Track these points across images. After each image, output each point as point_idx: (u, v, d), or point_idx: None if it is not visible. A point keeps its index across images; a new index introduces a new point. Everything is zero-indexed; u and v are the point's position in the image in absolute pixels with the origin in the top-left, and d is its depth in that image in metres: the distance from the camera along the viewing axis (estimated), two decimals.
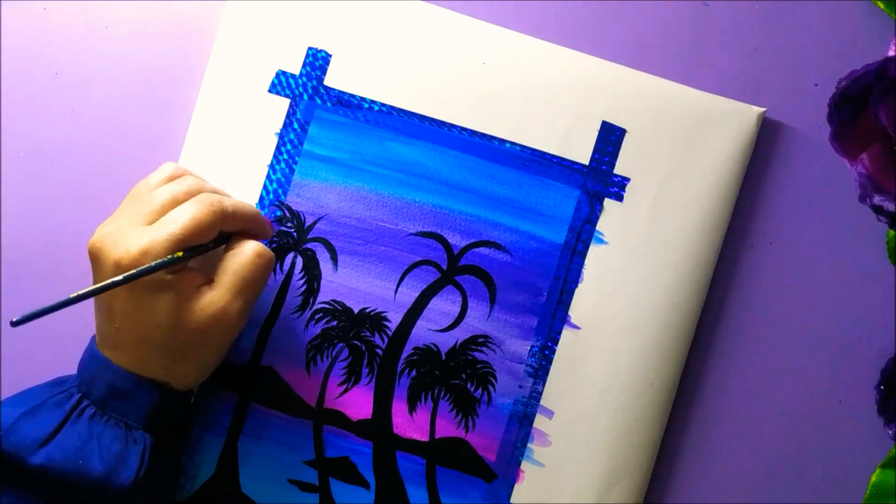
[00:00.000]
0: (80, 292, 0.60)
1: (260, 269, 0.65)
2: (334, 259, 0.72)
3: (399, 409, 0.72)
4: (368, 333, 0.72)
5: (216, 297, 0.63)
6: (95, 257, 0.63)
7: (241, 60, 0.72)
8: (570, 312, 0.71)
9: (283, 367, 0.71)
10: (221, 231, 0.65)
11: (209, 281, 0.64)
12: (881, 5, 0.71)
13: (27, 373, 0.73)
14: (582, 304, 0.71)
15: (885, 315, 0.72)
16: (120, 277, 0.60)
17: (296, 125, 0.72)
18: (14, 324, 0.59)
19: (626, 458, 0.71)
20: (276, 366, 0.71)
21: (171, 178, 0.66)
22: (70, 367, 0.72)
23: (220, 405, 0.72)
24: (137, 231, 0.62)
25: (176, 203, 0.64)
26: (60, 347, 0.73)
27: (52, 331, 0.73)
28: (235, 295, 0.64)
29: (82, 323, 0.73)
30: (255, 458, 0.71)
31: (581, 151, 0.71)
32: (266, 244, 0.71)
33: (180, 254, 0.62)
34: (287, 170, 0.72)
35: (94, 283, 0.63)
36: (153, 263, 0.61)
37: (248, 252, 0.64)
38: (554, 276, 0.71)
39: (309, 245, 0.72)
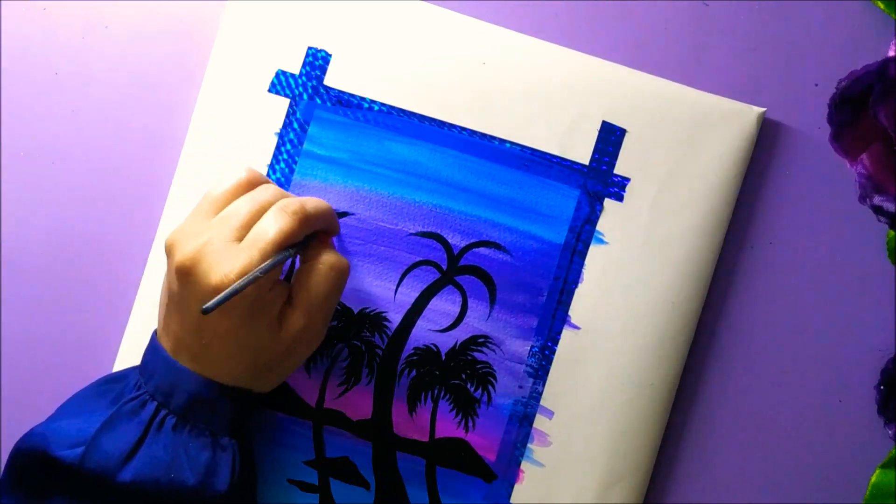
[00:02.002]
0: (252, 276, 0.60)
1: (336, 283, 0.65)
2: None
3: (399, 409, 0.72)
4: (368, 333, 0.72)
5: (298, 317, 0.63)
6: (188, 276, 0.61)
7: (240, 60, 0.72)
8: (570, 312, 0.71)
9: None
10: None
11: (289, 296, 0.64)
12: (881, 5, 0.71)
13: (27, 374, 0.73)
14: (582, 305, 0.71)
15: (885, 315, 0.72)
16: (251, 277, 0.60)
17: (295, 125, 0.72)
18: (205, 311, 0.59)
19: (626, 458, 0.71)
20: None
21: (249, 185, 0.66)
22: (69, 367, 0.72)
23: None
24: (229, 250, 0.61)
25: (261, 212, 0.63)
26: (60, 347, 0.73)
27: (51, 330, 0.73)
28: (315, 312, 0.64)
29: (83, 322, 0.73)
30: (255, 458, 0.71)
31: (581, 151, 0.71)
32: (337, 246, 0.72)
33: (284, 253, 0.62)
34: (287, 170, 0.72)
35: (182, 299, 0.62)
36: (263, 267, 0.61)
37: (323, 268, 0.64)
38: (554, 276, 0.71)
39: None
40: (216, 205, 0.65)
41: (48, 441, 0.61)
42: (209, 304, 0.59)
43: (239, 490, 0.63)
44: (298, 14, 0.72)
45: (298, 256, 0.66)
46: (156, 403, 0.63)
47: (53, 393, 0.73)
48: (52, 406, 0.71)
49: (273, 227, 0.62)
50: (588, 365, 0.71)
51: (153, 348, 0.65)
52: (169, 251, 0.63)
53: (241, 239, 0.62)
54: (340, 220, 0.71)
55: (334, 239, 0.71)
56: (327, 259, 0.64)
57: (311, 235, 0.66)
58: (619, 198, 0.71)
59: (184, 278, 0.62)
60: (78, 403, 0.65)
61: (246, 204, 0.63)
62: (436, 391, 0.72)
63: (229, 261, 0.61)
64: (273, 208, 0.63)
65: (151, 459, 0.61)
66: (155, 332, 0.66)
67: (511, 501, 0.71)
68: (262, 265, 0.60)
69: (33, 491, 0.61)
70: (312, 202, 0.65)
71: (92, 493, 0.61)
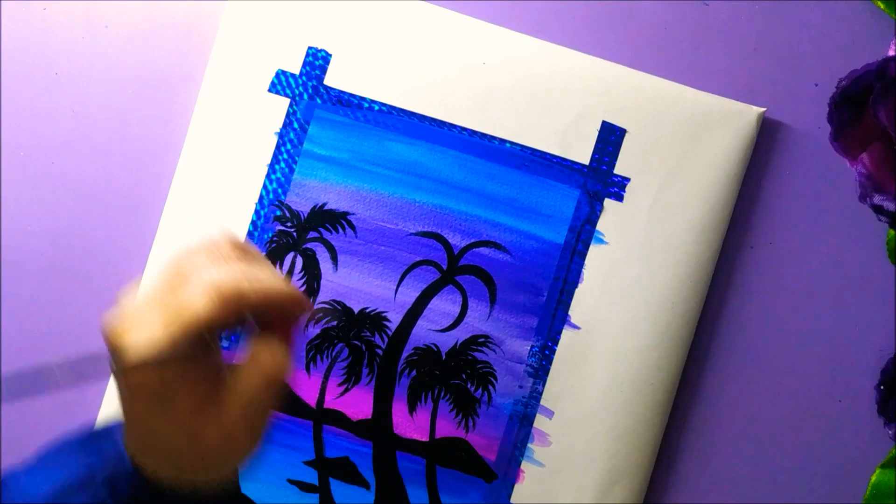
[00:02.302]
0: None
1: (267, 393, 0.54)
2: (334, 259, 0.72)
3: (399, 409, 0.72)
4: (368, 333, 0.72)
5: (223, 423, 0.53)
6: (106, 340, 0.53)
7: (241, 60, 0.72)
8: (570, 312, 0.71)
9: None
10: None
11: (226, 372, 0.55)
12: (881, 5, 0.71)
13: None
14: (582, 305, 0.71)
15: (885, 315, 0.72)
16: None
17: (296, 125, 0.72)
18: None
19: (626, 458, 0.71)
20: None
21: (210, 250, 0.55)
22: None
23: None
24: (146, 319, 0.52)
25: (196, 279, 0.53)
26: (60, 347, 0.73)
27: (51, 330, 0.73)
28: (241, 420, 0.54)
29: (83, 322, 0.73)
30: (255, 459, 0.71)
31: (581, 151, 0.71)
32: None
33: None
34: (287, 169, 0.72)
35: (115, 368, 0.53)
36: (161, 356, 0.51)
37: (256, 373, 0.54)
38: (554, 276, 0.71)
39: (309, 245, 0.72)
40: (177, 276, 0.55)
41: (3, 487, 0.56)
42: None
43: None
44: (298, 14, 0.72)
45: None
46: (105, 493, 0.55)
47: (53, 393, 0.73)
48: (51, 405, 0.71)
49: (193, 310, 0.52)
50: (588, 365, 0.71)
51: (114, 447, 0.56)
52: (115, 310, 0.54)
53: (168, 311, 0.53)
54: (341, 221, 0.71)
55: (336, 239, 0.71)
56: (263, 361, 0.54)
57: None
58: (619, 198, 0.71)
59: (111, 354, 0.53)
60: (55, 452, 0.57)
61: (186, 264, 0.54)
62: (436, 391, 0.72)
63: (137, 329, 0.52)
64: (203, 284, 0.52)
65: None
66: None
67: (511, 501, 0.71)
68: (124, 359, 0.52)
69: None
70: (262, 285, 0.53)
71: None
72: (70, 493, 0.55)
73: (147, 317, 0.53)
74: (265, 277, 0.54)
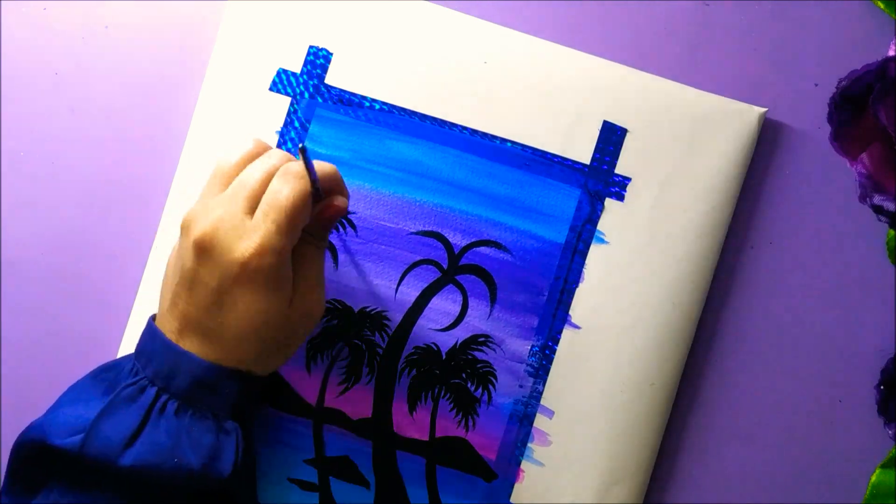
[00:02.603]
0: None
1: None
2: (335, 258, 0.72)
3: (399, 408, 0.72)
4: (369, 333, 0.72)
5: (306, 293, 0.63)
6: (207, 251, 0.61)
7: (242, 59, 0.72)
8: (570, 312, 0.71)
9: (283, 366, 0.71)
10: None
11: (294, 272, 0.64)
12: (881, 5, 0.71)
13: (27, 373, 0.73)
14: (582, 304, 0.71)
15: (885, 315, 0.72)
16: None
17: (297, 123, 0.72)
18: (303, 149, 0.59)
19: (626, 458, 0.71)
20: None
21: (256, 154, 0.65)
22: (69, 367, 0.72)
23: None
24: (244, 224, 0.61)
25: (270, 179, 0.63)
26: (60, 347, 0.73)
27: (51, 330, 0.73)
28: (319, 290, 0.64)
29: (83, 322, 0.73)
30: (256, 457, 0.71)
31: (582, 151, 0.71)
32: None
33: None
34: None
35: (198, 273, 0.62)
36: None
37: (322, 246, 0.65)
38: (555, 275, 0.71)
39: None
40: (226, 178, 0.64)
41: (46, 432, 0.60)
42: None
43: (241, 473, 0.62)
44: (299, 13, 0.72)
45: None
46: (156, 388, 0.62)
47: (53, 393, 0.72)
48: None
49: (282, 193, 0.61)
50: (588, 365, 0.71)
51: (151, 333, 0.64)
52: (185, 229, 0.62)
53: (253, 210, 0.62)
54: (342, 220, 0.71)
55: (337, 238, 0.71)
56: (323, 238, 0.65)
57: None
58: (620, 197, 0.71)
59: (201, 255, 0.61)
60: (74, 393, 0.64)
61: (253, 173, 0.63)
62: (436, 390, 0.72)
63: (246, 235, 0.60)
64: (279, 173, 0.62)
65: (154, 444, 0.60)
66: (152, 318, 0.65)
67: (511, 501, 0.71)
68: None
69: (35, 482, 0.61)
70: (317, 164, 0.64)
71: (94, 480, 0.60)
72: (120, 403, 0.62)
73: (240, 215, 0.61)
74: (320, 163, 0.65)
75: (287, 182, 0.61)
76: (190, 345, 0.62)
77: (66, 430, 0.60)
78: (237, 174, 0.64)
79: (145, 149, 0.73)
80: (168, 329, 0.63)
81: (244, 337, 0.62)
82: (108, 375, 0.64)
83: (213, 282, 0.61)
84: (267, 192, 0.62)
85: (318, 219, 0.65)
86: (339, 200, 0.65)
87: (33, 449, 0.61)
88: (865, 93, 0.68)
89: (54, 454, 0.60)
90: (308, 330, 0.64)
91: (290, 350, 0.65)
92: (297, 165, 0.62)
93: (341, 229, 0.72)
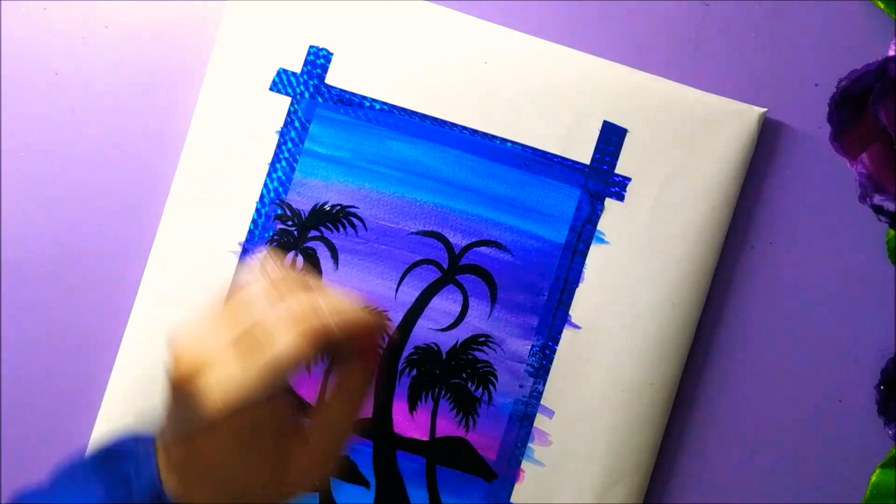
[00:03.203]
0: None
1: (353, 421, 0.55)
2: (335, 258, 0.72)
3: (399, 408, 0.72)
4: None
5: (308, 460, 0.54)
6: (179, 392, 0.52)
7: (242, 59, 0.72)
8: (570, 312, 0.71)
9: None
10: None
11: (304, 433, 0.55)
12: (881, 5, 0.71)
13: (27, 373, 0.73)
14: (583, 304, 0.71)
15: (885, 315, 0.72)
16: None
17: (297, 123, 0.72)
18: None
19: (626, 458, 0.71)
20: None
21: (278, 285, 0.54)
22: (70, 366, 0.72)
23: None
24: (229, 368, 0.51)
25: (276, 319, 0.52)
26: (60, 347, 0.73)
27: (51, 330, 0.73)
28: (328, 453, 0.55)
29: (83, 322, 0.73)
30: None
31: (582, 151, 0.71)
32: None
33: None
34: (288, 168, 0.72)
35: (174, 416, 0.53)
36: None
37: (344, 405, 0.55)
38: (555, 275, 0.71)
39: (309, 244, 0.72)
40: (238, 315, 0.53)
41: None
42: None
43: None
44: (300, 13, 0.72)
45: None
46: None
47: (54, 393, 0.73)
48: (52, 406, 0.71)
49: (283, 351, 0.51)
50: (588, 364, 0.71)
51: (147, 455, 0.55)
52: (169, 351, 0.53)
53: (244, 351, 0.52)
54: (342, 220, 0.71)
55: (337, 238, 0.71)
56: (350, 390, 0.55)
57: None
58: (620, 197, 0.71)
59: (176, 393, 0.53)
60: (71, 478, 0.56)
61: (253, 299, 0.53)
62: (436, 390, 0.72)
63: (226, 382, 0.51)
64: (285, 321, 0.51)
65: None
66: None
67: (511, 501, 0.71)
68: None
69: None
70: (342, 317, 0.52)
71: None
72: None
73: (223, 359, 0.51)
74: (342, 306, 0.52)
75: (293, 336, 0.51)
76: (172, 485, 0.54)
77: None
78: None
79: (145, 149, 0.73)
80: (160, 457, 0.55)
81: (212, 496, 0.54)
82: (114, 466, 0.56)
83: (183, 428, 0.53)
84: (266, 340, 0.51)
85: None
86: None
87: None
88: (865, 93, 0.68)
89: None
90: (305, 493, 0.56)
91: (296, 498, 0.55)
92: (317, 321, 0.51)
93: (342, 229, 0.72)
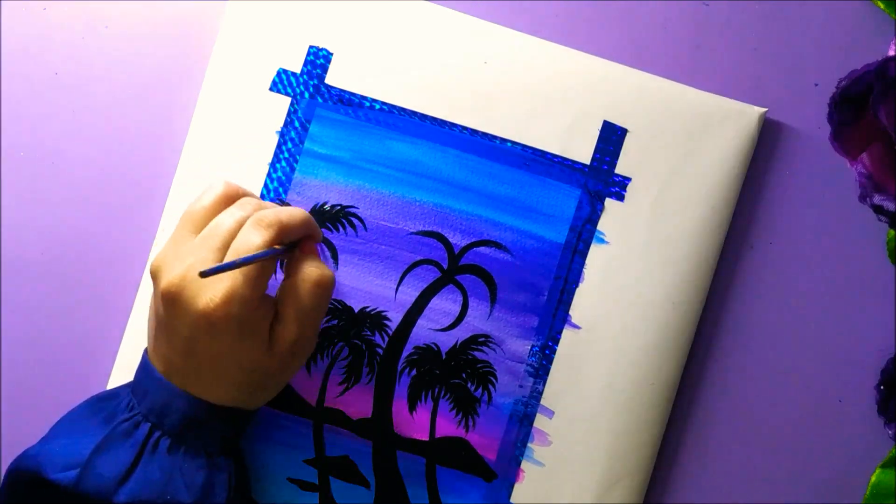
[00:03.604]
0: (248, 258, 0.61)
1: (321, 297, 0.64)
2: (335, 258, 0.72)
3: (399, 408, 0.72)
4: (369, 332, 0.72)
5: (287, 332, 0.63)
6: (174, 302, 0.61)
7: (242, 59, 0.72)
8: (570, 312, 0.71)
9: None
10: None
11: (276, 312, 0.64)
12: (881, 5, 0.71)
13: (27, 373, 0.73)
14: (583, 304, 0.71)
15: (885, 315, 0.72)
16: (241, 260, 0.60)
17: (297, 123, 0.72)
18: (203, 274, 0.58)
19: (626, 458, 0.71)
20: None
21: (227, 199, 0.66)
22: (70, 366, 0.72)
23: None
24: None
25: (239, 228, 0.63)
26: (60, 347, 0.73)
27: (51, 330, 0.73)
28: (303, 327, 0.63)
29: (82, 322, 0.73)
30: (255, 457, 0.71)
31: (582, 151, 0.71)
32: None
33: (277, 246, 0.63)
34: (288, 168, 0.72)
35: (169, 325, 0.63)
36: (251, 256, 0.61)
37: (307, 284, 0.64)
38: (555, 275, 0.71)
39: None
40: (197, 223, 0.65)
41: (41, 464, 0.61)
42: (207, 269, 0.59)
43: None
44: (300, 13, 0.72)
45: (282, 269, 0.66)
46: (149, 425, 0.63)
47: (53, 393, 0.73)
48: (51, 406, 0.71)
49: (251, 242, 0.62)
50: (588, 365, 0.71)
51: (144, 367, 0.65)
52: (154, 276, 0.63)
53: (222, 259, 0.62)
54: (342, 219, 0.71)
55: (337, 238, 0.71)
56: (311, 274, 0.64)
57: (294, 243, 0.66)
58: (620, 197, 0.71)
59: (170, 305, 0.62)
60: (69, 423, 0.64)
61: (225, 221, 0.63)
62: (436, 390, 0.72)
63: (212, 285, 0.61)
64: (248, 223, 0.63)
65: (147, 481, 0.61)
66: (146, 351, 0.66)
67: (511, 501, 0.71)
68: (258, 252, 0.61)
69: None
70: (288, 212, 0.65)
71: None
72: (115, 438, 0.62)
73: (208, 263, 0.61)
74: (286, 208, 0.66)
75: (257, 231, 0.62)
76: (180, 383, 0.63)
77: (62, 464, 0.61)
78: (208, 219, 0.65)
79: (145, 149, 0.73)
80: (157, 367, 0.64)
81: (223, 380, 0.63)
82: (106, 405, 0.65)
83: (185, 331, 0.61)
84: (236, 240, 0.62)
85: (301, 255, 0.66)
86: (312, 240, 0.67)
87: (28, 479, 0.61)
88: (865, 93, 0.68)
89: (49, 487, 0.60)
90: (298, 365, 0.66)
91: (279, 385, 0.66)
92: (272, 214, 0.63)
93: (342, 229, 0.72)
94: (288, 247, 0.65)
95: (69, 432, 0.63)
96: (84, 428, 0.63)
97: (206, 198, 0.65)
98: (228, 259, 0.61)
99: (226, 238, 0.63)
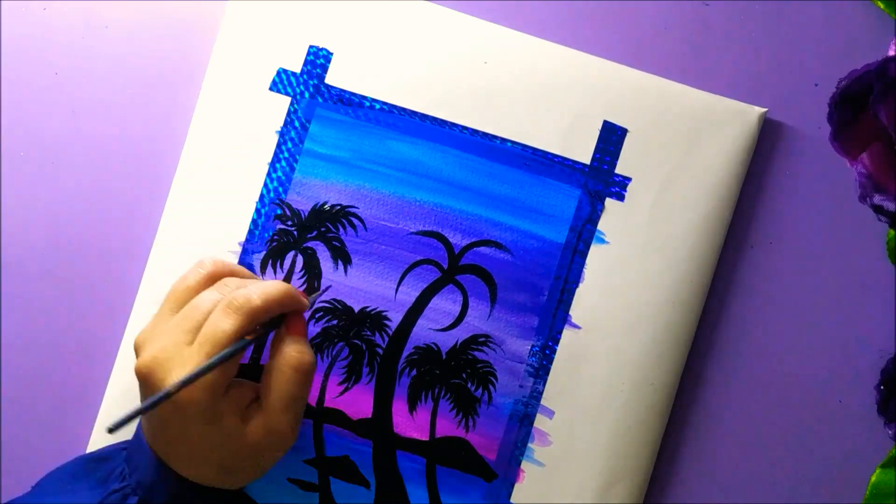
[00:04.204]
0: (167, 391, 0.59)
1: (301, 384, 0.63)
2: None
3: (399, 408, 0.72)
4: (369, 332, 0.72)
5: (265, 419, 0.62)
6: (145, 382, 0.61)
7: (242, 58, 0.72)
8: (570, 312, 0.71)
9: None
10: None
11: (257, 396, 0.64)
12: (881, 5, 0.71)
13: (27, 373, 0.73)
14: (583, 304, 0.71)
15: (885, 315, 0.72)
16: (197, 372, 0.60)
17: (297, 123, 0.72)
18: (111, 430, 0.57)
19: (626, 458, 0.71)
20: None
21: (210, 278, 0.65)
22: (69, 367, 0.72)
23: None
24: (181, 355, 0.61)
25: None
26: (60, 348, 0.73)
27: (51, 330, 0.73)
28: (281, 414, 0.63)
29: (83, 322, 0.73)
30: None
31: (582, 151, 0.71)
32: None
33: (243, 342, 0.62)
34: (288, 168, 0.72)
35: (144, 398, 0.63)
36: (217, 358, 0.60)
37: (286, 369, 0.63)
38: (555, 275, 0.71)
39: (309, 244, 0.72)
40: (179, 302, 0.65)
41: None
42: (111, 423, 0.57)
43: None
44: (300, 13, 0.72)
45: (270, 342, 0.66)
46: (137, 499, 0.62)
47: (53, 393, 0.73)
48: (52, 406, 0.71)
49: (219, 326, 0.61)
50: (589, 364, 0.71)
51: (138, 439, 0.64)
52: (135, 352, 0.64)
53: (193, 342, 0.62)
54: (342, 220, 0.71)
55: (344, 237, 0.71)
56: (289, 358, 0.63)
57: (277, 319, 0.65)
58: (621, 197, 0.71)
59: (142, 384, 0.62)
60: (60, 482, 0.64)
61: (203, 302, 0.63)
62: (436, 390, 0.72)
63: (180, 367, 0.60)
64: (219, 306, 0.62)
65: None
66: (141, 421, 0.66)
67: (511, 501, 0.71)
68: (176, 382, 0.60)
69: None
70: (263, 292, 0.63)
71: None
72: None
73: (180, 346, 0.61)
74: (262, 286, 0.64)
75: (227, 316, 0.62)
76: (165, 457, 0.63)
77: None
78: (191, 298, 0.64)
79: (145, 149, 0.73)
80: (146, 437, 0.64)
81: (199, 461, 0.62)
82: (99, 467, 0.64)
83: (156, 411, 0.61)
84: (206, 324, 0.62)
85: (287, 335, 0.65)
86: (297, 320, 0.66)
87: None
88: (865, 93, 0.68)
89: None
90: (277, 452, 0.64)
91: (259, 468, 0.65)
92: (243, 298, 0.62)
93: (342, 229, 0.72)
94: (268, 326, 0.65)
95: (58, 491, 0.63)
96: (74, 489, 0.63)
97: (191, 277, 0.65)
98: (196, 342, 0.61)
99: (199, 321, 0.62)
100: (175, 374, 0.60)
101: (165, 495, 0.62)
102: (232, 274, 0.67)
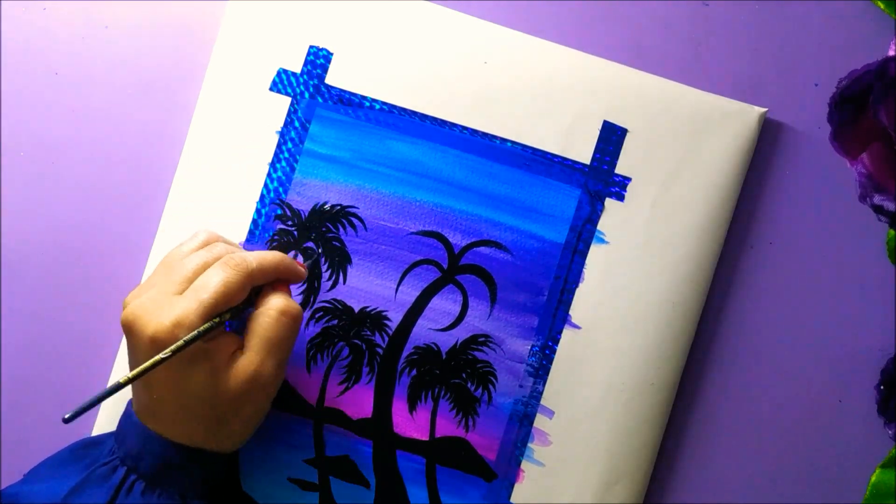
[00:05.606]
0: (128, 376, 0.59)
1: (286, 328, 0.64)
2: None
3: (399, 408, 0.72)
4: (369, 332, 0.72)
5: (247, 361, 0.63)
6: (129, 330, 0.62)
7: (242, 59, 0.72)
8: (570, 312, 0.71)
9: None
10: (253, 288, 0.65)
11: (242, 344, 0.64)
12: (881, 5, 0.71)
13: (28, 372, 0.73)
14: (583, 304, 0.71)
15: (885, 315, 0.72)
16: (160, 357, 0.59)
17: (297, 123, 0.72)
18: (66, 420, 0.57)
19: (626, 458, 0.71)
20: None
21: (204, 245, 0.66)
22: (70, 366, 0.72)
23: None
24: (169, 301, 0.61)
25: (205, 268, 0.64)
26: (60, 347, 0.73)
27: (51, 330, 0.73)
28: (265, 356, 0.63)
29: (83, 322, 0.73)
30: (256, 457, 0.71)
31: (582, 151, 0.71)
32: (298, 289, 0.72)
33: (216, 319, 0.62)
34: (288, 168, 0.72)
35: (130, 354, 0.63)
36: (190, 336, 0.60)
37: (272, 312, 0.64)
38: (555, 275, 0.71)
39: (309, 244, 0.72)
40: (171, 266, 0.65)
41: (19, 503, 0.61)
42: (68, 414, 0.57)
43: None
44: (300, 13, 0.72)
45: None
46: (125, 468, 0.62)
47: (53, 393, 0.73)
48: (52, 406, 0.71)
49: (215, 278, 0.62)
50: (588, 364, 0.71)
51: (126, 413, 0.64)
52: (123, 309, 0.64)
53: (183, 292, 0.62)
54: (342, 220, 0.71)
55: (344, 236, 0.71)
56: (277, 304, 0.64)
57: (256, 291, 0.66)
58: (620, 197, 0.71)
59: (127, 333, 0.62)
60: (52, 467, 0.64)
61: (191, 260, 0.64)
62: (436, 390, 0.72)
63: (167, 310, 0.61)
64: (217, 262, 0.63)
65: None
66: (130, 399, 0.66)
67: (511, 501, 0.71)
68: (190, 335, 0.60)
69: None
70: (258, 255, 0.65)
71: None
72: (93, 481, 0.62)
73: (167, 294, 0.62)
74: (258, 251, 0.66)
75: (222, 270, 0.63)
76: (151, 424, 0.63)
77: None
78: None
79: (145, 149, 0.73)
80: (134, 409, 0.64)
81: (179, 414, 0.62)
82: (90, 451, 0.65)
83: (141, 357, 0.61)
84: (200, 277, 0.63)
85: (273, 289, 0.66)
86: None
87: None
88: (865, 93, 0.68)
89: None
90: (260, 398, 0.64)
91: (244, 424, 0.65)
92: (239, 257, 0.64)
93: (342, 229, 0.72)
94: (239, 308, 0.65)
95: (51, 475, 0.63)
96: (65, 473, 0.63)
97: (187, 245, 0.66)
98: (188, 293, 0.62)
99: (188, 275, 0.63)
100: (159, 317, 0.60)
101: (153, 460, 0.62)
102: (224, 243, 0.68)
